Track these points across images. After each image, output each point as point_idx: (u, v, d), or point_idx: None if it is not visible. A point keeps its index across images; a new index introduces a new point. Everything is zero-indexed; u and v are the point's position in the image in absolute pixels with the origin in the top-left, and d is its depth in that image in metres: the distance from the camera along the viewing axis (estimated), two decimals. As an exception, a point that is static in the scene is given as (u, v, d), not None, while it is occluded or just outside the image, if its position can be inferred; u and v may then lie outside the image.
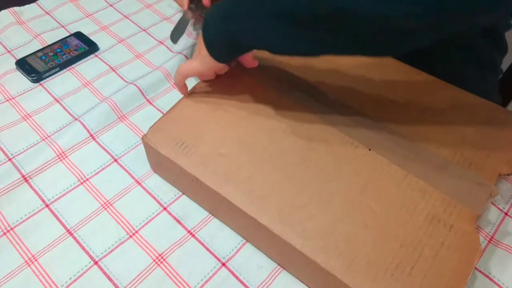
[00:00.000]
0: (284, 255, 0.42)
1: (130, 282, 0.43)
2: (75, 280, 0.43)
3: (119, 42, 0.67)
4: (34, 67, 0.61)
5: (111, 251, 0.45)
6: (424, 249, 0.38)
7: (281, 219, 0.40)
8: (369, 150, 0.45)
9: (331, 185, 0.42)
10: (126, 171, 0.51)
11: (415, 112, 0.49)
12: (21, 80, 0.61)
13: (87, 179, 0.50)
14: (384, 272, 0.37)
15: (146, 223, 0.47)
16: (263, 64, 0.53)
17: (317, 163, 0.44)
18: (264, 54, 0.54)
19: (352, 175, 0.43)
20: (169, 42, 0.68)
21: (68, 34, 0.68)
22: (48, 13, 0.71)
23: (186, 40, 0.68)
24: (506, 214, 0.49)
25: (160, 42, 0.68)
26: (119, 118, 0.57)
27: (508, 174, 0.45)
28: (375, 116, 0.48)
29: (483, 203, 0.42)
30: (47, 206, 0.48)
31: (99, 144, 0.54)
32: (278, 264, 0.44)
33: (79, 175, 0.51)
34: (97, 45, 0.66)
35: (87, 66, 0.64)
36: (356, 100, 0.50)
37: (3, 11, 0.70)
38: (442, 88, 0.52)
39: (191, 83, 0.57)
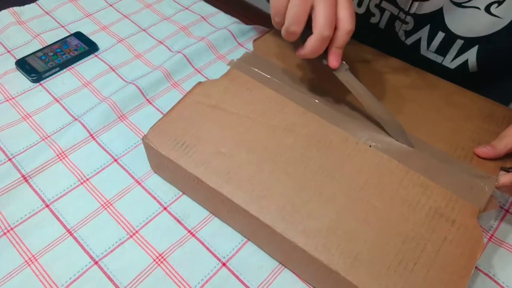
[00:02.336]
0: (286, 253, 0.42)
1: (130, 282, 0.43)
2: (75, 280, 0.42)
3: (119, 42, 0.67)
4: (34, 67, 0.61)
5: (111, 251, 0.45)
6: (426, 244, 0.38)
7: (283, 218, 0.40)
8: (370, 146, 0.45)
9: (332, 182, 0.42)
10: (126, 171, 0.51)
11: (414, 108, 0.49)
12: (21, 80, 0.61)
13: (87, 179, 0.50)
14: (387, 269, 0.37)
15: (146, 223, 0.47)
16: (262, 62, 0.53)
17: (318, 161, 0.44)
18: (266, 52, 0.55)
19: (353, 172, 0.43)
20: (169, 41, 0.68)
21: (68, 34, 0.67)
22: (48, 13, 0.71)
23: (186, 40, 0.68)
24: (507, 211, 0.49)
25: (160, 42, 0.68)
26: (118, 117, 0.57)
27: (511, 168, 0.44)
28: None
29: (486, 196, 0.41)
30: (47, 206, 0.48)
31: (99, 144, 0.54)
32: (280, 263, 0.44)
33: (79, 175, 0.51)
34: (97, 45, 0.66)
35: (87, 66, 0.63)
36: (356, 97, 0.50)
37: (3, 11, 0.70)
38: (441, 85, 0.52)
39: (192, 83, 0.57)
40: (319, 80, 0.52)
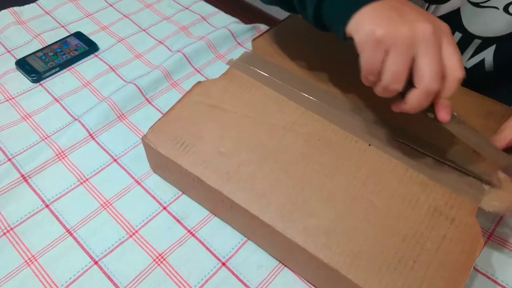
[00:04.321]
0: (286, 252, 0.42)
1: (130, 282, 0.43)
2: (75, 280, 0.42)
3: (119, 42, 0.67)
4: (34, 67, 0.61)
5: (111, 251, 0.45)
6: (426, 242, 0.38)
7: (283, 217, 0.40)
8: (369, 145, 0.45)
9: (332, 181, 0.42)
10: (126, 171, 0.51)
11: None
12: (21, 80, 0.61)
13: (86, 179, 0.50)
14: (387, 267, 0.37)
15: (146, 223, 0.47)
16: (262, 61, 0.53)
17: (318, 160, 0.44)
18: (265, 51, 0.55)
19: (352, 170, 0.43)
20: (169, 41, 0.68)
21: (68, 34, 0.68)
22: (48, 13, 0.71)
23: (186, 40, 0.68)
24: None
25: (160, 42, 0.68)
26: (118, 117, 0.57)
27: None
28: (374, 111, 0.48)
29: (484, 194, 0.42)
30: (47, 206, 0.48)
31: (99, 144, 0.54)
32: (280, 262, 0.44)
33: (79, 175, 0.51)
34: (97, 45, 0.66)
35: (87, 66, 0.63)
36: (355, 96, 0.50)
37: (3, 11, 0.70)
38: None
39: (191, 82, 0.57)
40: (318, 79, 0.52)
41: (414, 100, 0.37)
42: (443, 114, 0.38)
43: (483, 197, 0.42)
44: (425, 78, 0.35)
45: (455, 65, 0.36)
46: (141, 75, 0.62)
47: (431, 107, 0.38)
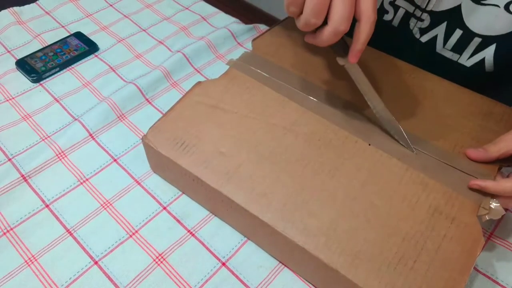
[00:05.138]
0: (286, 252, 0.42)
1: (130, 282, 0.43)
2: (75, 280, 0.42)
3: (119, 42, 0.67)
4: (34, 67, 0.61)
5: (111, 251, 0.45)
6: (426, 242, 0.38)
7: (283, 217, 0.40)
8: (369, 145, 0.45)
9: (332, 181, 0.42)
10: (126, 171, 0.51)
11: (413, 106, 0.49)
12: (21, 80, 0.61)
13: (86, 179, 0.50)
14: (387, 266, 0.37)
15: (146, 223, 0.47)
16: (262, 61, 0.53)
17: (318, 160, 0.44)
18: (265, 51, 0.55)
19: (352, 170, 0.43)
20: (169, 42, 0.68)
21: (68, 34, 0.68)
22: (48, 13, 0.71)
23: (186, 40, 0.68)
24: (506, 209, 0.49)
25: (160, 42, 0.68)
26: (118, 117, 0.57)
27: (509, 165, 0.44)
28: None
29: (485, 193, 0.41)
30: (47, 206, 0.48)
31: (99, 144, 0.54)
32: (280, 262, 0.44)
33: (79, 175, 0.51)
34: (97, 45, 0.66)
35: (87, 66, 0.63)
36: (355, 96, 0.50)
37: (3, 11, 0.70)
38: (439, 83, 0.52)
39: (191, 82, 0.57)
40: (318, 79, 0.52)
41: (324, 36, 0.40)
42: (352, 58, 0.42)
43: (483, 197, 0.41)
44: (334, 17, 0.38)
45: (368, 9, 0.38)
46: (141, 75, 0.62)
47: (338, 47, 0.43)
